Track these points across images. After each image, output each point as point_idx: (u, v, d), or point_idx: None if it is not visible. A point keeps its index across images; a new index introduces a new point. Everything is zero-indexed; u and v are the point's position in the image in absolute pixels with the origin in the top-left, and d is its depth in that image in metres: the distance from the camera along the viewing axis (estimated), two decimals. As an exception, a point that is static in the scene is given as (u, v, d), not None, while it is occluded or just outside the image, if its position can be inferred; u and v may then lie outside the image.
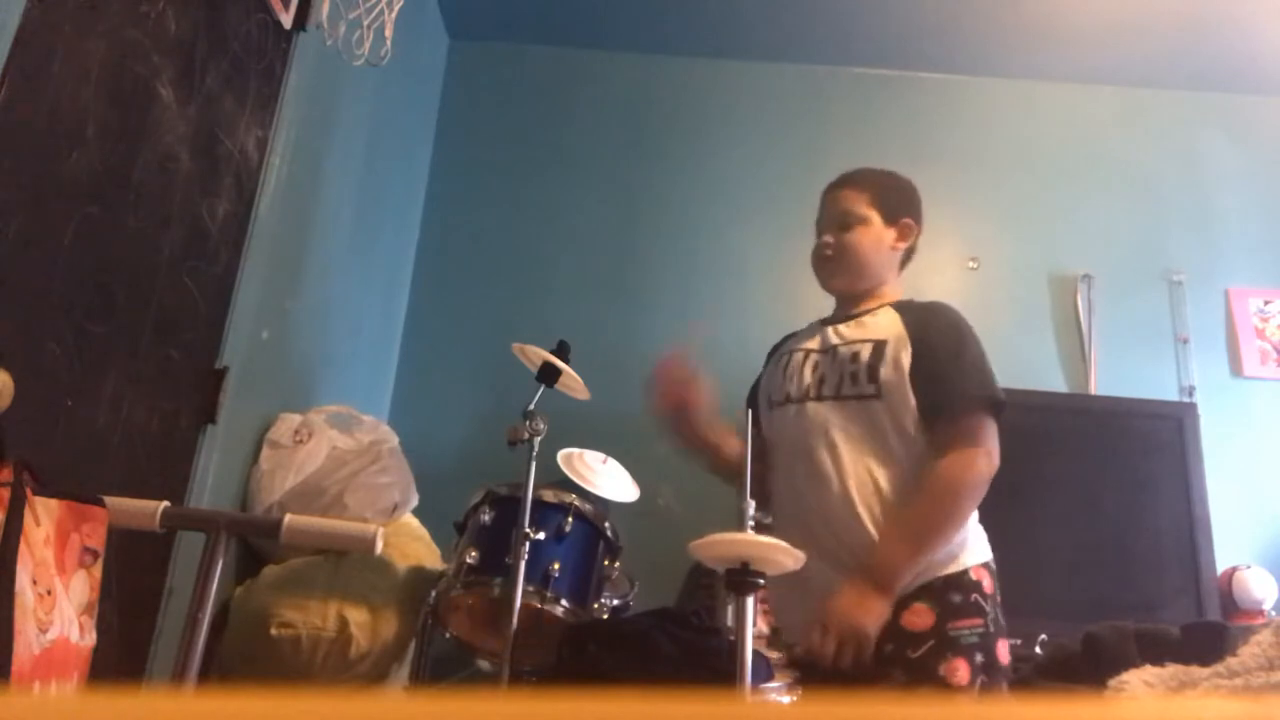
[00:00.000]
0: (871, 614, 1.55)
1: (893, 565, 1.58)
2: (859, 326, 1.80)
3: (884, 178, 1.95)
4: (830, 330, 1.84)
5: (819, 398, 1.76)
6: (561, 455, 2.19)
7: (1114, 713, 0.41)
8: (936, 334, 1.72)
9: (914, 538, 1.59)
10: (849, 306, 1.86)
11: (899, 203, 1.90)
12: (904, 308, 1.80)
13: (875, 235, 1.86)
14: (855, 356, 1.74)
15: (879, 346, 1.72)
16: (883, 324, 1.76)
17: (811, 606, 1.62)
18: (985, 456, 1.62)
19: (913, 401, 1.67)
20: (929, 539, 1.59)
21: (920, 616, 1.57)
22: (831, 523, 1.65)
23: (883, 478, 1.66)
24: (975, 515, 1.71)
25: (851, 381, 1.72)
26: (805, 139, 3.54)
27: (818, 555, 1.63)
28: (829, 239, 1.87)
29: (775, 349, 2.02)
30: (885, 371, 1.69)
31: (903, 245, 1.88)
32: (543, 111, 3.64)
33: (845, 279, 1.87)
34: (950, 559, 1.62)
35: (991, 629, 1.59)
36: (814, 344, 1.85)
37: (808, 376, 1.80)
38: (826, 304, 1.94)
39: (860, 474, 1.67)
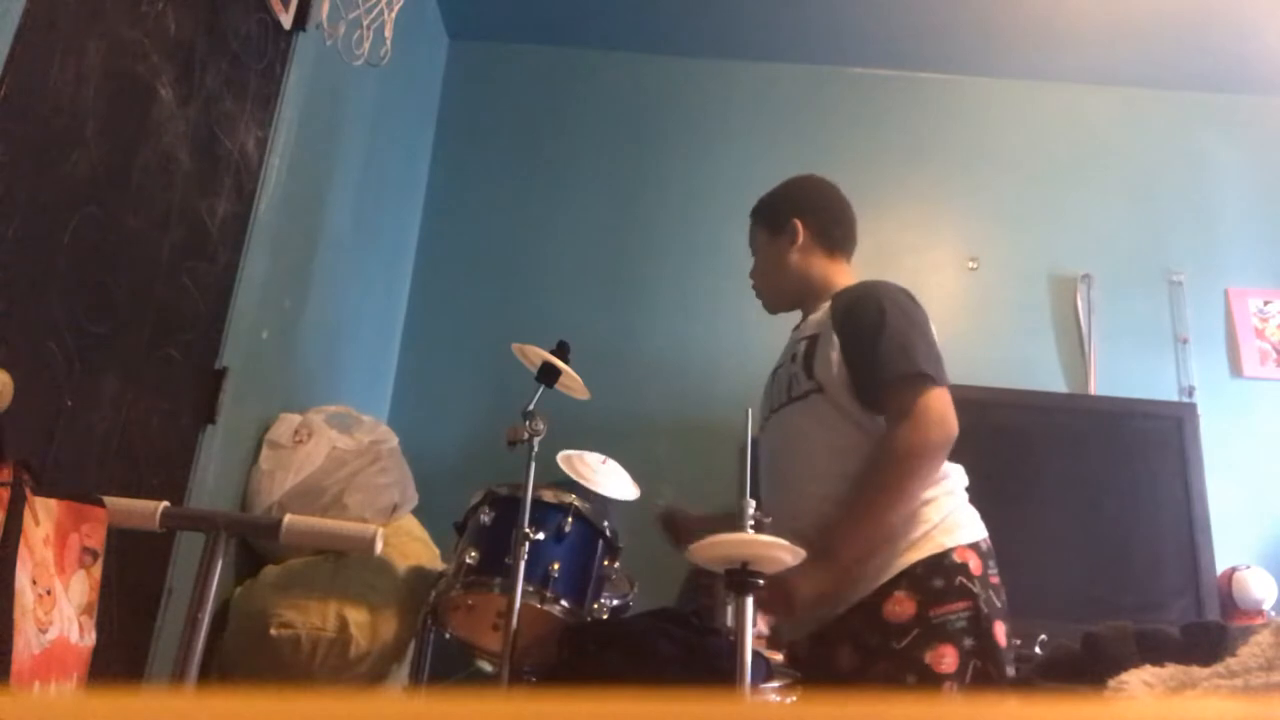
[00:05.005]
0: (806, 577, 1.53)
1: (833, 538, 1.58)
2: (802, 328, 1.86)
3: (766, 195, 2.01)
4: (790, 337, 1.91)
5: (783, 405, 1.80)
6: (561, 456, 2.19)
7: (1114, 713, 0.41)
8: (857, 318, 1.72)
9: (852, 513, 1.59)
10: (805, 311, 1.92)
11: (779, 208, 1.96)
12: (836, 297, 1.81)
13: (771, 253, 1.94)
14: (795, 357, 1.78)
15: (812, 343, 1.76)
16: (817, 319, 1.80)
17: None
18: (914, 429, 1.59)
19: (852, 389, 1.68)
20: (866, 513, 1.58)
21: (901, 605, 1.55)
22: (797, 520, 1.65)
23: (839, 468, 1.65)
24: (963, 495, 1.70)
25: (796, 382, 1.77)
26: (805, 139, 3.54)
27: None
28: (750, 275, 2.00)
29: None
30: (819, 366, 1.72)
31: (800, 241, 1.90)
32: (542, 111, 3.64)
33: (767, 301, 1.98)
34: (926, 539, 1.60)
35: (984, 610, 1.55)
36: (782, 356, 1.91)
37: (775, 388, 1.85)
38: (825, 304, 1.95)
39: (817, 469, 1.69)
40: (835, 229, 1.93)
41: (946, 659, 1.51)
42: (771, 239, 1.93)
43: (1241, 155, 3.56)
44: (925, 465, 1.60)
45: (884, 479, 1.59)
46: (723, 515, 1.94)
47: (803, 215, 1.91)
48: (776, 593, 1.52)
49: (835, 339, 1.71)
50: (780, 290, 1.94)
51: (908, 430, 1.59)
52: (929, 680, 1.50)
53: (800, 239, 1.90)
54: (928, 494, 1.63)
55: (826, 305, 1.80)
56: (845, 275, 1.90)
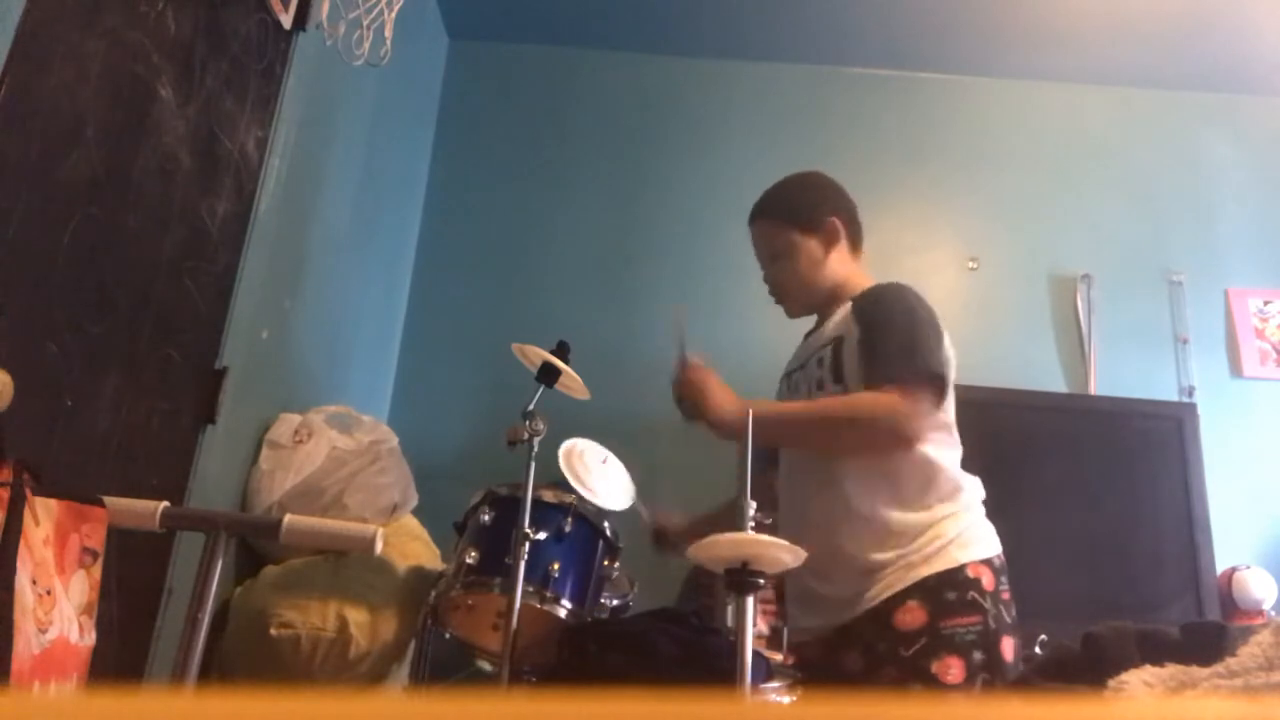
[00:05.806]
0: (730, 400, 1.66)
1: (779, 407, 1.69)
2: (823, 332, 1.83)
3: (788, 193, 1.93)
4: (807, 341, 1.90)
5: None
6: (563, 449, 2.17)
7: (1114, 713, 0.41)
8: (874, 318, 1.71)
9: (807, 407, 1.70)
10: (822, 315, 1.89)
11: (813, 208, 1.88)
12: (858, 298, 1.80)
13: (805, 255, 1.86)
14: (820, 361, 1.77)
15: (837, 345, 1.74)
16: (839, 321, 1.78)
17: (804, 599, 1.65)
18: (897, 400, 1.58)
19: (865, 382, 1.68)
20: (810, 416, 1.69)
21: (912, 614, 1.56)
22: (820, 523, 1.67)
23: (866, 471, 1.66)
24: (979, 510, 1.71)
25: (819, 386, 1.76)
26: (805, 139, 3.54)
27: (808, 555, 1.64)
28: (767, 278, 1.93)
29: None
30: (848, 368, 1.71)
31: (836, 243, 1.87)
32: (542, 111, 3.64)
33: (799, 305, 1.92)
34: (940, 553, 1.61)
35: (993, 625, 1.56)
36: (796, 361, 1.91)
37: (795, 391, 1.85)
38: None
39: (838, 472, 1.68)
40: (858, 225, 1.92)
41: (953, 670, 1.52)
42: (804, 239, 1.86)
43: (1241, 155, 3.56)
44: (868, 432, 1.62)
45: (846, 408, 1.65)
46: (705, 517, 1.97)
47: (839, 213, 1.88)
48: (697, 387, 1.68)
49: (857, 340, 1.70)
50: (815, 292, 1.87)
51: (891, 396, 1.58)
52: (934, 690, 1.51)
53: (842, 238, 1.86)
54: (945, 509, 1.64)
55: (846, 307, 1.77)
56: (862, 275, 1.88)
